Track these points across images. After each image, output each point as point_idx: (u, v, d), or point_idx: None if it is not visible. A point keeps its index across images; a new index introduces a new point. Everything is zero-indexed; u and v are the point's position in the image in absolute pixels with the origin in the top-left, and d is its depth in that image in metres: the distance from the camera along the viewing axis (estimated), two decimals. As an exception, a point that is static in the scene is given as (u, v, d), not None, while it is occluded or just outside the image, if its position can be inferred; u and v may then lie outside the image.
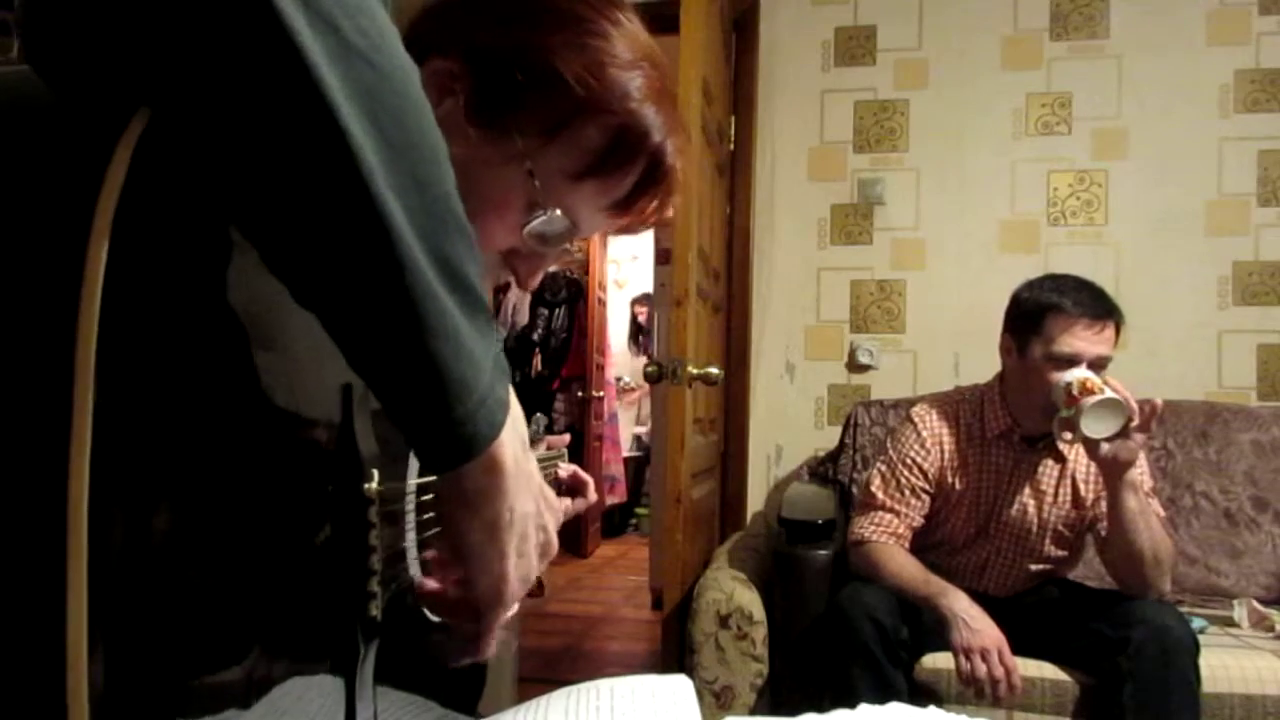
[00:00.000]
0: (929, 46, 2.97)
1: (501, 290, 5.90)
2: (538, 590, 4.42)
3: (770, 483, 3.00)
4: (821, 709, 0.68)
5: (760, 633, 2.04)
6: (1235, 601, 2.23)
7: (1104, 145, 2.86)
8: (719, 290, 2.87)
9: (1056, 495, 1.96)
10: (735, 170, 3.04)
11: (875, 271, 2.97)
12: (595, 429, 5.88)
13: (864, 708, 0.66)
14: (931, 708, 0.66)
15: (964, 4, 2.94)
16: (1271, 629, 2.10)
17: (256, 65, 0.39)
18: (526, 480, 0.55)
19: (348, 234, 0.42)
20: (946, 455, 2.00)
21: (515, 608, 0.59)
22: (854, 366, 2.97)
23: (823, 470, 2.76)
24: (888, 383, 2.92)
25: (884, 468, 2.04)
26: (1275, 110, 2.77)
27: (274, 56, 0.38)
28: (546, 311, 5.85)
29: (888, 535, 1.97)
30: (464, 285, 0.47)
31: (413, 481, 0.67)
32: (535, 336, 5.81)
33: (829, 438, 2.87)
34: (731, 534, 2.78)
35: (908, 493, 1.99)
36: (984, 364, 2.24)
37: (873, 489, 2.03)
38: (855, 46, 3.01)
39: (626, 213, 0.69)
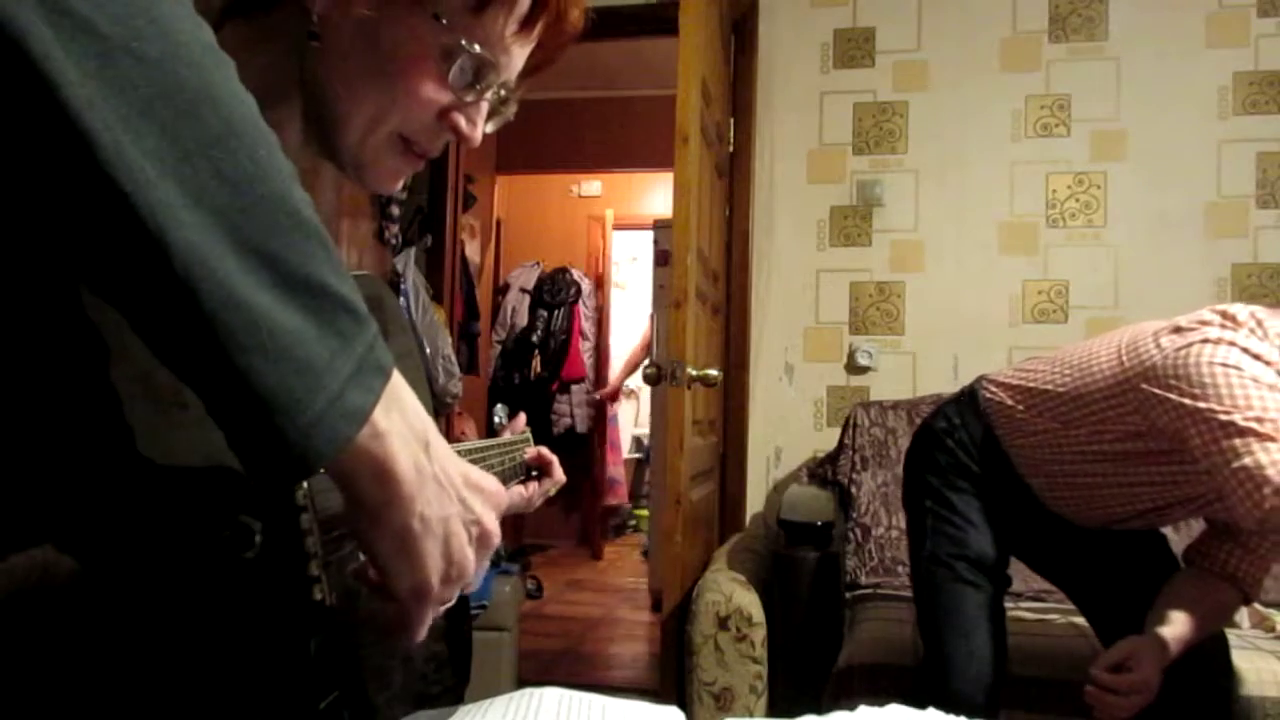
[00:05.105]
0: (928, 48, 2.97)
1: (500, 292, 5.91)
2: (536, 591, 4.41)
3: (769, 484, 3.00)
4: (821, 709, 0.68)
5: (759, 634, 2.04)
6: (1235, 603, 2.22)
7: (1103, 147, 2.86)
8: (718, 292, 2.88)
9: None
10: (734, 172, 3.04)
11: (874, 273, 2.97)
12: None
13: (863, 708, 0.66)
14: (931, 709, 0.66)
15: (963, 6, 2.95)
16: (1272, 629, 2.10)
17: None
18: (437, 481, 0.51)
19: (123, 252, 0.39)
20: None
21: (453, 598, 0.56)
22: (853, 368, 2.97)
23: (822, 472, 2.76)
24: (887, 384, 2.92)
25: (1245, 373, 1.34)
26: (1274, 112, 2.77)
27: (8, 67, 0.35)
28: (546, 313, 5.84)
29: None
30: (304, 285, 0.43)
31: None
32: (534, 338, 5.81)
33: (828, 439, 2.87)
34: (731, 535, 2.78)
35: None
36: (983, 365, 2.24)
37: (1260, 401, 1.32)
38: (854, 48, 3.01)
39: (531, 29, 0.68)
